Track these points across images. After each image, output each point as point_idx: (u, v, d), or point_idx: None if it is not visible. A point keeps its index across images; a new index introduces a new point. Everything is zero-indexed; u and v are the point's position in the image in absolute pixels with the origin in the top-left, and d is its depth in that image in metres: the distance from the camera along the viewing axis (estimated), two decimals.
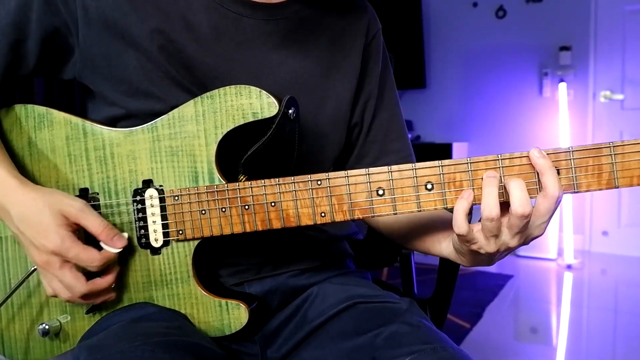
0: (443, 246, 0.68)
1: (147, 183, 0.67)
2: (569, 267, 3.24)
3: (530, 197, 0.56)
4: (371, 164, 0.82)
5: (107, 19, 0.66)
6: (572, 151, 0.55)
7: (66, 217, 0.62)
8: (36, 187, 0.65)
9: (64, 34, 0.69)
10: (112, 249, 0.63)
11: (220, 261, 0.72)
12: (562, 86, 3.41)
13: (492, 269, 3.24)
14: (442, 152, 3.64)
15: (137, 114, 0.68)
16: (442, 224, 0.70)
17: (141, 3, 0.67)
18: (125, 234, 0.66)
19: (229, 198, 0.64)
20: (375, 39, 0.82)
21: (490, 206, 0.55)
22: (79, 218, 0.62)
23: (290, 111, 0.64)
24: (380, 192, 0.60)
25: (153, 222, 0.67)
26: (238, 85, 0.64)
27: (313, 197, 0.62)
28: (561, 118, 3.40)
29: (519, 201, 0.54)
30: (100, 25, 0.67)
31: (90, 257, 0.61)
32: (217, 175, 0.65)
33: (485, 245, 0.58)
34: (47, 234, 0.60)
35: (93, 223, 0.62)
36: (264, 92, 0.63)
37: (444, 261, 1.00)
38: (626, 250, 3.49)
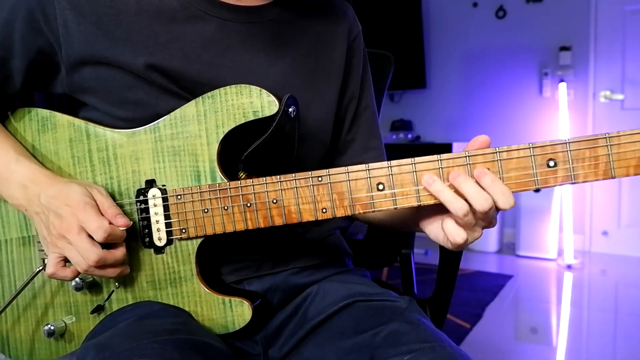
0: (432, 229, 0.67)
1: (150, 183, 0.68)
2: (569, 267, 3.24)
3: (528, 190, 0.57)
4: (350, 161, 0.84)
5: (89, 38, 0.67)
6: (569, 142, 0.56)
7: (90, 192, 0.65)
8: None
9: (49, 53, 0.69)
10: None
11: (219, 259, 0.73)
12: (562, 86, 3.42)
13: (492, 269, 3.24)
14: (442, 152, 3.59)
15: (130, 120, 0.69)
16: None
17: (124, 21, 0.67)
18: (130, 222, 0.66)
19: (231, 196, 0.64)
20: (357, 40, 0.83)
21: (456, 207, 0.57)
22: (94, 194, 0.65)
23: (290, 109, 0.65)
24: (381, 187, 0.60)
25: (156, 221, 0.67)
26: (238, 85, 0.65)
27: (314, 194, 0.62)
28: (561, 118, 3.41)
29: (478, 199, 0.56)
30: (82, 43, 0.67)
31: (99, 224, 0.62)
32: (219, 174, 0.66)
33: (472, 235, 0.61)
34: (72, 197, 0.63)
35: (102, 202, 0.65)
36: (264, 90, 0.64)
37: (444, 261, 1.00)
38: (626, 250, 3.50)
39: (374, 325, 0.67)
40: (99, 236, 0.61)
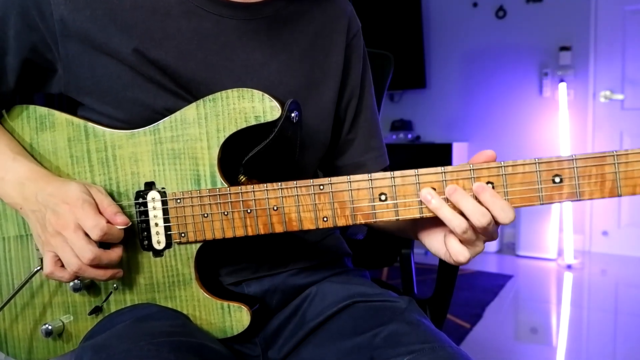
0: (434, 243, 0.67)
1: (150, 185, 0.68)
2: (569, 267, 3.24)
3: (532, 205, 0.57)
4: (350, 161, 0.83)
5: (85, 33, 0.66)
6: (576, 159, 0.55)
7: (89, 190, 0.65)
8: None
9: (43, 50, 0.68)
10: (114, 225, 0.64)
11: (218, 261, 0.73)
12: (562, 86, 3.42)
13: (492, 269, 3.24)
14: (442, 152, 3.64)
15: (127, 122, 0.68)
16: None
17: (119, 15, 0.67)
18: (129, 221, 0.65)
19: (231, 202, 0.64)
20: (356, 37, 0.82)
21: (455, 224, 0.57)
22: (93, 193, 0.64)
23: (293, 114, 0.64)
24: (383, 197, 0.60)
25: (155, 224, 0.67)
26: (241, 89, 0.64)
27: (315, 202, 0.62)
28: (561, 118, 3.41)
29: (475, 215, 0.56)
30: (79, 39, 0.66)
31: (96, 222, 0.61)
32: (219, 179, 0.65)
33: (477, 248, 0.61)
34: (70, 195, 0.62)
35: (102, 201, 0.64)
36: (266, 95, 0.63)
37: (444, 261, 1.00)
38: (626, 250, 3.50)
39: (374, 325, 0.67)
40: (95, 234, 0.61)
